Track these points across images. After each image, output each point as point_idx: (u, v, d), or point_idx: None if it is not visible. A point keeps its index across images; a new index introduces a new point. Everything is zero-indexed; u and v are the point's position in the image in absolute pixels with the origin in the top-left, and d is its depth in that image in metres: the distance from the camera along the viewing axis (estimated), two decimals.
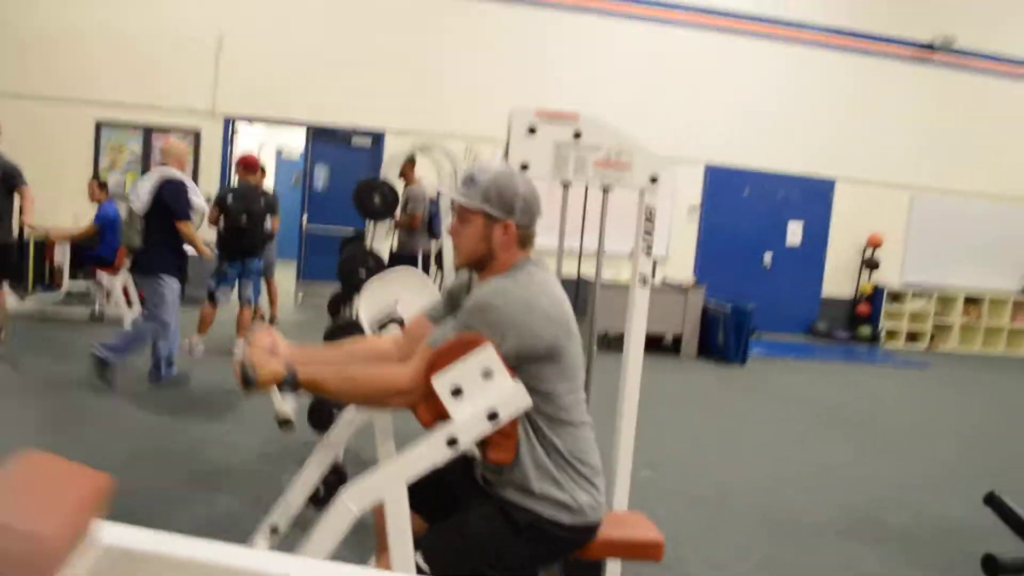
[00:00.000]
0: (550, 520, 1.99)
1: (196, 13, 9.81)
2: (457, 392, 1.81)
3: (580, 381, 2.05)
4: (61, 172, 9.40)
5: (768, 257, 11.12)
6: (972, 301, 11.55)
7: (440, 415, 1.86)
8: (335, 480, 3.01)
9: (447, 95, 10.22)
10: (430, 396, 1.86)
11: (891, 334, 11.32)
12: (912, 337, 11.46)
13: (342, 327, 3.19)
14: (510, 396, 1.83)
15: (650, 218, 2.65)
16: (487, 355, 1.81)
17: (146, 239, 5.68)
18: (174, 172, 5.79)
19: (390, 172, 4.28)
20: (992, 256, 11.66)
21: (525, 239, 2.04)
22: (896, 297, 11.42)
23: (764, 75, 10.88)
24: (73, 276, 8.27)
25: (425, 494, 2.09)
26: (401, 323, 2.45)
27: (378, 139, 10.33)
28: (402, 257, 7.14)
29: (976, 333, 11.62)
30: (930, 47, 11.26)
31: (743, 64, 10.80)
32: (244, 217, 6.67)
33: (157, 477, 4.15)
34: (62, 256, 8.04)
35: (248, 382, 1.86)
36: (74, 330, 7.48)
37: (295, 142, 12.72)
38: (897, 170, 11.30)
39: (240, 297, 6.97)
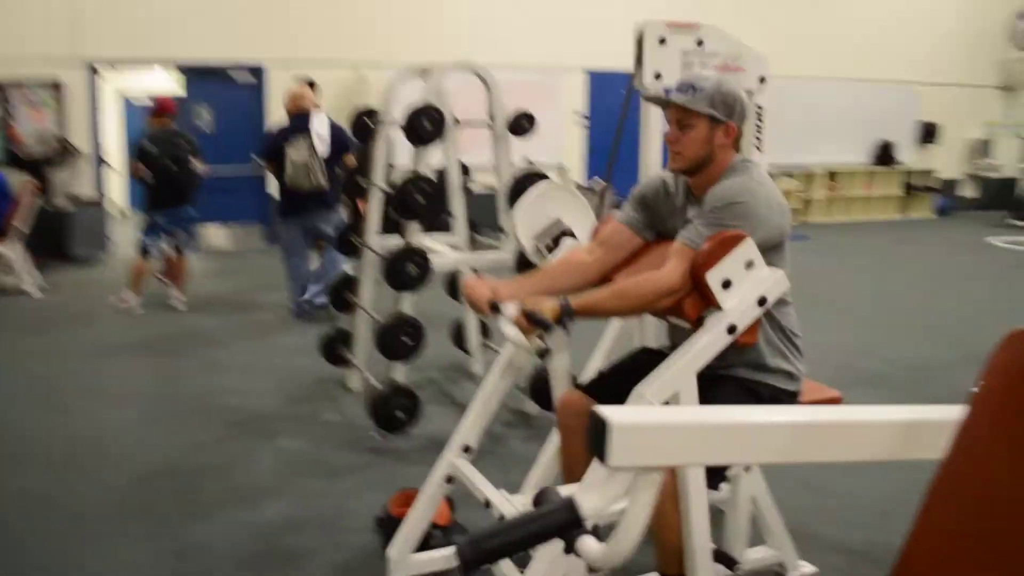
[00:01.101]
0: (784, 390, 2.21)
1: None
2: (727, 284, 1.97)
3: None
4: None
5: None
6: (832, 175, 12.66)
7: (705, 308, 2.02)
8: None
9: (329, 21, 9.85)
10: (696, 291, 2.01)
11: None
12: None
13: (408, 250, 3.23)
14: (773, 282, 2.00)
15: (760, 117, 2.85)
16: (748, 247, 1.97)
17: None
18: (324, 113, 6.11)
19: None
20: (846, 133, 12.66)
21: (738, 140, 2.19)
22: None
23: None
24: None
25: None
26: (572, 234, 2.54)
27: (258, 74, 9.85)
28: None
29: (838, 204, 12.79)
30: None
31: None
32: (172, 164, 6.32)
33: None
34: None
35: (542, 324, 1.97)
36: None
37: (143, 85, 11.84)
38: None
39: (172, 246, 6.65)
